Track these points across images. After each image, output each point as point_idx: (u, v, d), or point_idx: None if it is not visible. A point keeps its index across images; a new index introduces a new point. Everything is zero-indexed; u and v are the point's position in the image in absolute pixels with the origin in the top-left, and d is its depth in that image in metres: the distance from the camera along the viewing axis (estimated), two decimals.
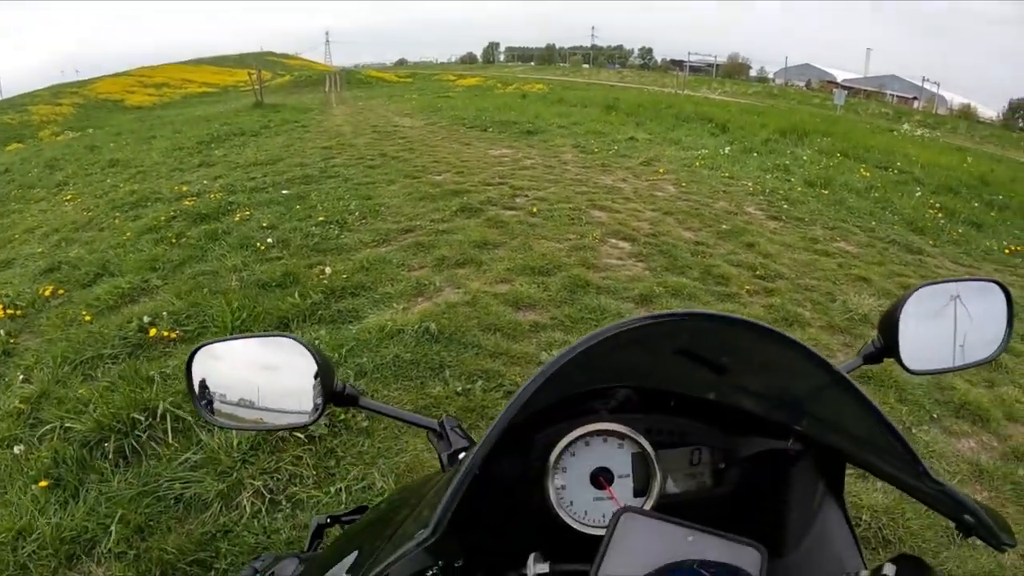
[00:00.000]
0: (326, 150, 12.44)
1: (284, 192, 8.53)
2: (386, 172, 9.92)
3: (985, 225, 10.14)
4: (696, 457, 1.07)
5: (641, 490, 1.01)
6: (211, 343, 1.12)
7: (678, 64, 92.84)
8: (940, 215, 9.96)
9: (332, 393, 1.07)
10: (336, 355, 4.12)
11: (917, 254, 7.89)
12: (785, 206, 9.19)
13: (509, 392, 3.75)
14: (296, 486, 3.03)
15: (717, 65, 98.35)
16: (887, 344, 1.14)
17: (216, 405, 1.10)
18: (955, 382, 4.52)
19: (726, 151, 13.26)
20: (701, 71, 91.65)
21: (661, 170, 10.92)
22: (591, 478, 1.00)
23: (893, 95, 79.49)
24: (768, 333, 0.79)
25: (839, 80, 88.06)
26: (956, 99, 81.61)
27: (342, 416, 3.42)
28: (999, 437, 4.08)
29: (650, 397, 1.08)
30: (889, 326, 1.14)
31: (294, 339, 1.06)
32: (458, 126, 16.54)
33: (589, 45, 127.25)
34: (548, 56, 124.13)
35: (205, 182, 9.52)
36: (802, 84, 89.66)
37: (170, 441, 3.27)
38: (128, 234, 7.03)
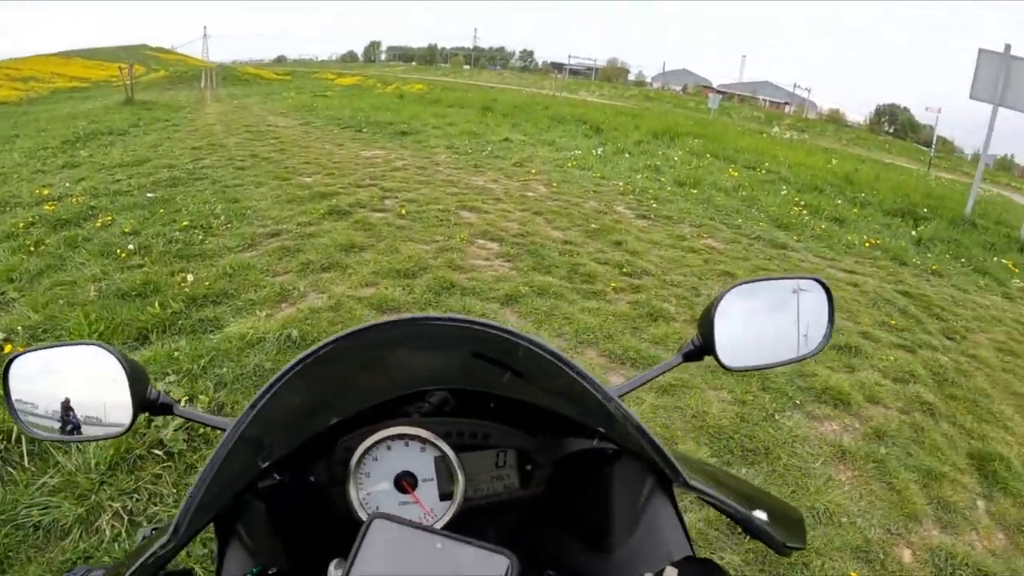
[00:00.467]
0: (196, 150, 12.06)
1: (149, 195, 8.23)
2: (256, 174, 9.72)
3: (848, 221, 10.63)
4: (501, 459, 1.10)
5: (447, 494, 1.03)
6: (25, 353, 1.10)
7: (558, 67, 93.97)
8: (805, 212, 10.44)
9: (144, 402, 1.04)
10: (196, 366, 4.02)
11: (781, 248, 8.27)
12: (654, 205, 9.51)
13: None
14: (156, 505, 2.98)
15: (596, 68, 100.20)
16: (705, 342, 1.14)
17: (32, 417, 1.09)
18: (816, 368, 4.77)
19: (599, 152, 13.64)
20: (581, 74, 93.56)
21: (533, 171, 11.14)
22: (396, 483, 1.03)
23: (766, 100, 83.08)
24: (519, 338, 0.83)
25: (714, 85, 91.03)
26: (826, 104, 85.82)
27: (202, 431, 3.36)
28: (860, 419, 4.34)
29: (468, 401, 1.11)
30: (706, 324, 1.14)
31: (102, 347, 1.04)
32: (333, 126, 16.35)
33: (471, 46, 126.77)
34: (430, 56, 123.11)
35: (68, 185, 9.08)
36: (679, 88, 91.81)
37: (26, 465, 3.13)
38: None
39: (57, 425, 1.08)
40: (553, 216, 8.13)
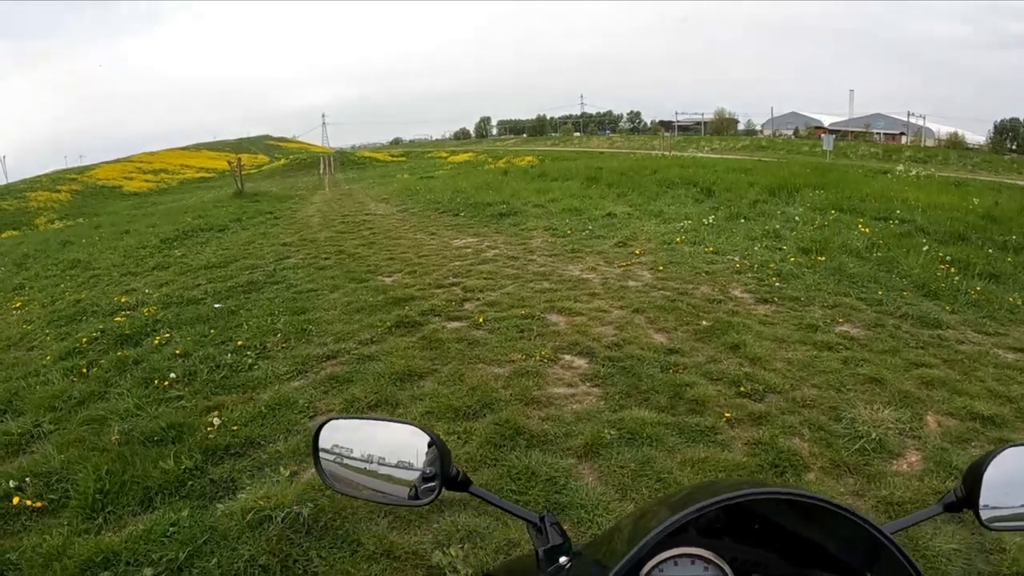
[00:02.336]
0: (285, 247, 12.12)
1: (217, 306, 7.92)
2: (333, 275, 9.33)
3: (1004, 275, 8.79)
4: None
5: None
6: (339, 418, 1.40)
7: (666, 125, 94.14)
8: (953, 270, 8.69)
9: (447, 478, 1.24)
10: (179, 555, 3.22)
11: (935, 328, 6.66)
12: (776, 283, 8.19)
13: None
14: None
15: (705, 122, 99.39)
16: (968, 496, 1.20)
17: (338, 471, 1.33)
18: None
19: (710, 220, 12.38)
20: (690, 130, 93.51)
21: (637, 251, 10.14)
22: None
23: (880, 133, 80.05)
24: (818, 500, 0.97)
25: (826, 125, 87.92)
26: (942, 129, 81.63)
27: None
28: None
29: (735, 517, 1.13)
30: (972, 479, 1.20)
31: (417, 426, 1.30)
32: (430, 211, 16.17)
33: (579, 112, 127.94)
34: (539, 127, 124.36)
35: (148, 291, 9.13)
36: (790, 133, 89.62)
37: None
38: (48, 358, 6.56)
39: (363, 483, 1.31)
40: (656, 313, 6.95)
